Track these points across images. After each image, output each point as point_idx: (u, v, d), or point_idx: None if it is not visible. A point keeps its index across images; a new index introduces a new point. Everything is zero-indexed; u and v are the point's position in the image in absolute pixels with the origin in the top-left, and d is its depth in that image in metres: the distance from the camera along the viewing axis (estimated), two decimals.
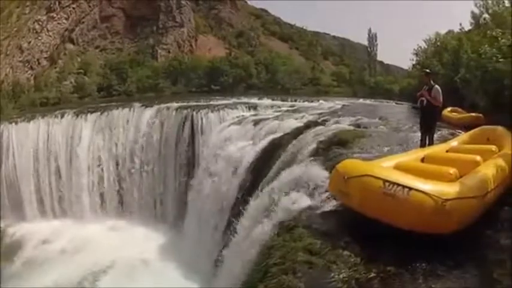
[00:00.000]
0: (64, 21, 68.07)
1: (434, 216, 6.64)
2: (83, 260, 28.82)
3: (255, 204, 14.93)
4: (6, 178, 36.47)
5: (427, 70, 15.84)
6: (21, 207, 36.44)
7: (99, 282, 26.25)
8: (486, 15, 29.28)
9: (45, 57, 64.87)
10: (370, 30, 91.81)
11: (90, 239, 31.87)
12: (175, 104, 38.98)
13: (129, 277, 25.79)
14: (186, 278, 24.27)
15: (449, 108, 25.18)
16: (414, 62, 49.08)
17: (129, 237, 31.64)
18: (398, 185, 6.84)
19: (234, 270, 13.48)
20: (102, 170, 37.03)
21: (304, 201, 10.04)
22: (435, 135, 14.25)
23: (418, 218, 6.72)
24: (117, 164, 36.94)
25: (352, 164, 8.39)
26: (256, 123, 27.94)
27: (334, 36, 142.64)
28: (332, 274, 6.29)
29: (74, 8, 69.59)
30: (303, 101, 41.11)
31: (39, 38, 63.75)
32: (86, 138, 37.20)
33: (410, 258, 6.47)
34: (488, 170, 8.24)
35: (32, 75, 62.06)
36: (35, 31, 63.28)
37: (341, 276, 6.23)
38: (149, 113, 37.25)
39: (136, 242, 30.48)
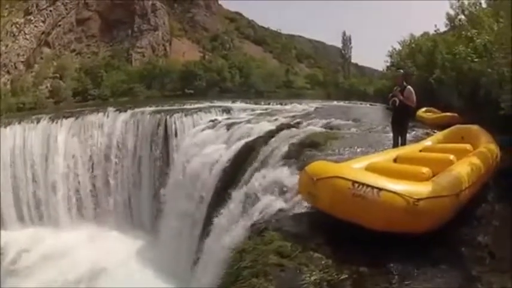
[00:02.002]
0: (41, 24, 67.83)
1: (406, 216, 6.61)
2: (60, 268, 28.67)
3: (228, 208, 14.97)
4: None
5: (400, 70, 15.93)
6: (0, 215, 36.16)
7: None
8: (462, 17, 29.50)
9: (22, 61, 64.56)
10: (344, 33, 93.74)
11: (66, 247, 31.71)
12: (149, 108, 39.05)
13: (105, 284, 25.87)
14: (163, 282, 24.25)
15: (423, 109, 25.31)
16: (389, 64, 49.37)
17: (105, 244, 31.45)
18: (368, 185, 6.79)
19: (208, 274, 13.49)
20: (77, 175, 36.83)
21: (276, 204, 10.10)
22: (409, 136, 14.37)
23: (390, 218, 6.69)
24: (93, 170, 36.81)
25: (321, 166, 8.35)
26: (229, 126, 27.96)
27: (308, 39, 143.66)
28: (303, 276, 6.21)
29: (51, 11, 69.46)
30: (277, 104, 41.47)
31: (17, 41, 63.56)
32: (61, 143, 37.10)
33: (384, 259, 6.44)
34: (462, 168, 8.23)
35: (8, 79, 61.71)
36: (12, 34, 63.19)
37: (312, 278, 6.16)
38: (123, 117, 37.21)
39: (113, 248, 30.33)
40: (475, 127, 12.12)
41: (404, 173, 8.18)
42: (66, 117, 38.86)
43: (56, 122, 38.11)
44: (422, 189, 6.91)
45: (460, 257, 6.80)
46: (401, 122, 13.55)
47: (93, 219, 35.91)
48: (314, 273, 6.24)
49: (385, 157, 10.05)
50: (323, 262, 6.49)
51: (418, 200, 6.56)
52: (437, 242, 6.92)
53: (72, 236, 33.07)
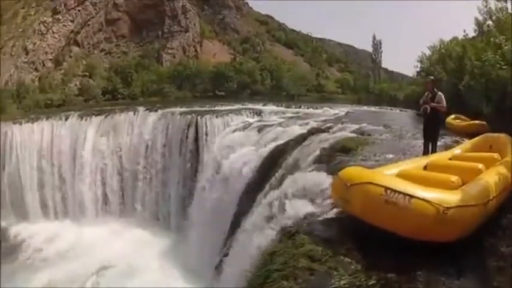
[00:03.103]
0: (69, 23, 69.03)
1: (435, 224, 6.60)
2: (82, 262, 28.87)
3: (257, 210, 15.00)
4: (8, 178, 36.78)
5: (431, 77, 15.85)
6: (24, 207, 36.74)
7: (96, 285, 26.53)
8: (490, 22, 29.17)
9: (50, 59, 65.72)
10: (374, 37, 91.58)
11: (90, 241, 32.00)
12: (179, 109, 39.10)
13: (127, 281, 25.86)
14: (185, 282, 24.37)
15: (452, 116, 24.94)
16: (418, 69, 48.82)
17: (130, 241, 31.58)
18: (400, 192, 6.79)
19: (234, 277, 13.49)
20: (105, 172, 37.10)
21: (307, 208, 10.03)
22: (439, 143, 14.21)
23: (419, 226, 6.66)
24: (121, 167, 37.04)
25: (354, 171, 8.32)
26: (260, 129, 27.97)
27: (339, 43, 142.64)
28: (333, 281, 6.26)
29: (79, 11, 70.53)
30: (308, 108, 40.88)
31: (45, 39, 64.72)
32: (90, 140, 37.36)
33: (411, 265, 6.45)
34: (490, 177, 8.20)
35: (36, 76, 62.81)
36: (40, 33, 64.32)
37: (342, 282, 6.21)
38: (154, 117, 37.31)
39: (137, 246, 30.44)
40: (503, 136, 12.04)
41: (434, 180, 8.16)
42: (96, 115, 39.21)
43: (85, 120, 38.47)
44: (451, 197, 6.91)
45: (483, 266, 6.79)
46: (433, 130, 13.51)
47: (119, 216, 36.14)
48: (343, 277, 6.29)
49: (415, 164, 10.02)
50: (352, 267, 6.54)
51: (448, 208, 6.57)
52: (464, 251, 6.92)
53: (96, 231, 33.48)
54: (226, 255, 18.60)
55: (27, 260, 31.35)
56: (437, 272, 6.36)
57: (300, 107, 41.40)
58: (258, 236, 11.95)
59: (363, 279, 6.24)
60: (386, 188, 6.93)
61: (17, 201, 36.82)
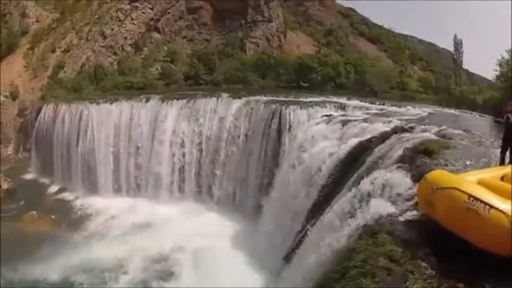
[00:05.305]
0: (149, 10, 71.32)
1: (508, 237, 6.47)
2: (149, 239, 30.55)
3: (336, 205, 15.06)
4: (82, 154, 39.41)
5: None
6: (95, 182, 39.02)
7: (162, 263, 27.99)
8: None
9: (130, 44, 68.32)
10: (455, 36, 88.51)
11: (161, 219, 33.64)
12: (264, 98, 39.60)
13: (194, 263, 27.17)
14: (254, 270, 24.89)
15: None
16: (498, 73, 47.35)
17: (203, 222, 32.69)
18: (481, 201, 6.86)
19: (302, 269, 13.77)
20: (184, 154, 38.28)
21: (387, 208, 10.17)
22: None
23: (494, 238, 6.65)
24: (200, 151, 38.06)
25: (441, 175, 8.40)
26: (344, 123, 27.88)
27: (420, 40, 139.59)
28: (407, 283, 6.51)
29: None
30: (391, 105, 40.69)
31: (123, 25, 67.62)
32: (171, 123, 38.69)
33: (481, 277, 6.57)
34: None
35: (115, 60, 65.68)
36: (118, 19, 67.21)
37: (415, 286, 6.44)
38: (237, 104, 38.01)
39: (210, 228, 31.29)
40: None
41: (510, 192, 7.81)
42: (178, 99, 40.48)
43: (167, 103, 39.82)
44: None
45: None
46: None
47: (194, 199, 37.32)
48: (418, 281, 6.53)
49: (492, 174, 9.52)
50: (427, 272, 6.74)
51: None
52: None
53: (170, 210, 35.07)
54: (297, 247, 18.79)
55: (94, 232, 33.18)
56: (505, 286, 6.47)
57: (383, 104, 41.09)
58: (333, 232, 12.14)
59: (434, 285, 6.45)
60: (470, 195, 6.99)
61: (89, 176, 39.09)
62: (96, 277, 27.47)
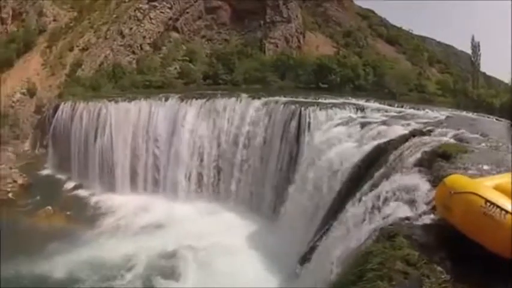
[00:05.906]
0: (167, 10, 71.82)
1: None
2: (164, 238, 30.59)
3: (353, 207, 15.17)
4: (100, 151, 39.66)
5: None
6: (113, 179, 39.29)
7: (176, 262, 27.75)
8: None
9: (148, 43, 68.85)
10: (473, 38, 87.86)
11: (178, 217, 33.66)
12: (283, 98, 39.33)
13: (208, 262, 26.88)
14: (268, 271, 24.85)
15: None
16: None
17: (219, 221, 32.64)
18: (498, 206, 6.87)
19: (318, 270, 13.87)
20: (202, 153, 38.33)
21: (405, 211, 10.21)
22: None
23: (509, 242, 6.59)
24: (219, 150, 38.03)
25: (459, 180, 8.40)
26: (363, 125, 27.91)
27: (438, 42, 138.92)
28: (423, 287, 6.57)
29: None
30: (409, 108, 40.17)
31: (142, 25, 68.16)
32: (190, 122, 38.74)
33: (495, 281, 6.67)
34: None
35: (133, 59, 66.17)
36: (136, 18, 67.78)
37: None
38: (256, 104, 37.94)
39: (226, 227, 31.28)
40: None
41: None
42: (197, 98, 40.50)
43: (186, 102, 39.91)
44: None
45: None
46: None
47: (212, 198, 37.30)
48: (433, 285, 6.60)
49: (507, 179, 9.22)
50: (443, 276, 6.82)
51: None
52: None
53: (185, 208, 35.16)
54: (314, 248, 18.92)
55: (109, 229, 33.21)
56: None
57: (402, 107, 40.52)
58: (351, 233, 12.27)
59: None
60: (487, 200, 7.01)
61: (106, 173, 39.43)
62: (106, 273, 27.43)
